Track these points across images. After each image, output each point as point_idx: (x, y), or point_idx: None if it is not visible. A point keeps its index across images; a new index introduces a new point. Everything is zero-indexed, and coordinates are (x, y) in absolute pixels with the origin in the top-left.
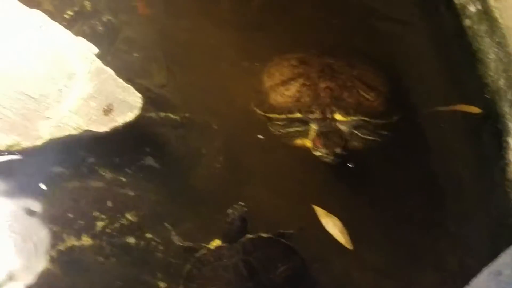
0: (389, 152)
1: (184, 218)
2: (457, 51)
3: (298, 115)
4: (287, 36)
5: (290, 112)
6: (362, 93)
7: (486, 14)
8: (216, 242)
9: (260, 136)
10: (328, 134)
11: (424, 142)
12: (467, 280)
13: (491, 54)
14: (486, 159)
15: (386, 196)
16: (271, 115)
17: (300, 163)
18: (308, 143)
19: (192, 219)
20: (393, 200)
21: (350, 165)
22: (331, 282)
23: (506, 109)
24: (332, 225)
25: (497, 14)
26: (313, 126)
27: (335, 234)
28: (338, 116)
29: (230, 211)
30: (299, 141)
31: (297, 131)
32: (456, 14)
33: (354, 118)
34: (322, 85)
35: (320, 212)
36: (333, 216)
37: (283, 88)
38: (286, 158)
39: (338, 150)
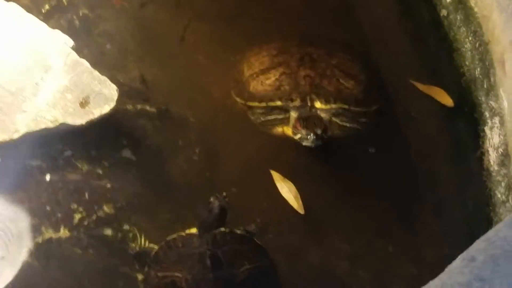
0: (368, 140)
1: (161, 210)
2: (434, 41)
3: (278, 103)
4: (263, 27)
5: (271, 100)
6: (342, 81)
7: (462, 3)
8: (191, 231)
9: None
10: (309, 118)
11: (401, 132)
12: (444, 269)
13: (467, 44)
14: (462, 148)
15: (363, 185)
16: (251, 104)
17: (279, 151)
18: (287, 130)
19: (168, 211)
20: (370, 189)
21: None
22: (308, 273)
23: (482, 98)
24: (287, 190)
25: (472, 4)
26: (293, 114)
27: (289, 199)
28: (318, 104)
29: (212, 199)
30: (279, 129)
31: (277, 118)
32: (432, 4)
33: (334, 106)
34: (302, 73)
35: (276, 176)
36: (289, 181)
37: (263, 76)
38: (264, 147)
39: (318, 131)
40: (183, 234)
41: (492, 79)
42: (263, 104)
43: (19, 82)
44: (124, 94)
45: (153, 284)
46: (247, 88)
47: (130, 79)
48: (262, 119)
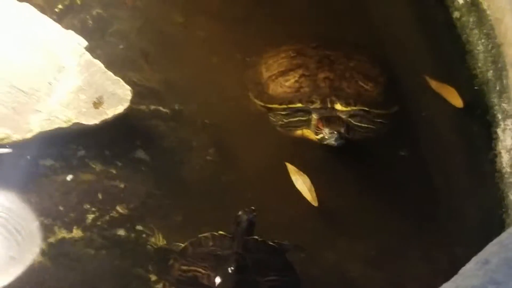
0: (387, 142)
1: (174, 211)
2: (447, 43)
3: (299, 105)
4: (278, 29)
5: (291, 102)
6: (361, 83)
7: (475, 5)
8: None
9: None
10: (331, 118)
11: (416, 133)
12: (457, 272)
13: (479, 46)
14: (475, 150)
15: (378, 186)
16: (271, 106)
17: (296, 152)
18: (307, 132)
19: (182, 212)
20: (384, 190)
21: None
22: (321, 274)
23: (495, 100)
24: (301, 183)
25: (485, 6)
26: (314, 116)
27: (303, 191)
28: (338, 106)
29: (240, 212)
30: (298, 131)
31: (301, 120)
32: (445, 6)
33: (354, 108)
34: (321, 75)
35: (291, 169)
36: (303, 174)
37: (282, 78)
38: (280, 149)
39: (342, 130)
40: (216, 234)
41: (504, 81)
42: (283, 106)
43: (32, 82)
44: (138, 94)
45: (175, 276)
46: (266, 90)
47: (144, 79)
48: (285, 120)
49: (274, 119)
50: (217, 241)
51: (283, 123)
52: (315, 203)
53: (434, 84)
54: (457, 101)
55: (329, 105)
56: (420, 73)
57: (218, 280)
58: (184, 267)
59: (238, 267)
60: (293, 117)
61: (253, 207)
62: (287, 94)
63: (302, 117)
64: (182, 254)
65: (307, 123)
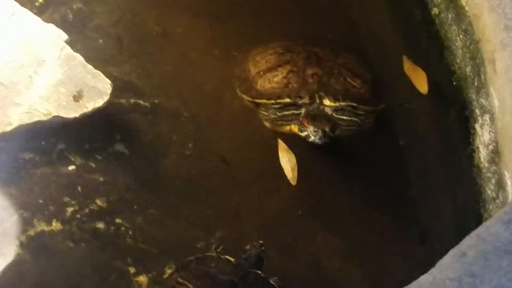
0: (370, 138)
1: (153, 204)
2: (425, 39)
3: (287, 100)
4: (261, 26)
5: (279, 97)
6: (349, 80)
7: (453, 2)
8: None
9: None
10: (317, 115)
11: (400, 131)
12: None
13: (458, 42)
14: (453, 146)
15: (357, 181)
16: (259, 101)
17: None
18: (294, 128)
19: (160, 205)
20: (362, 186)
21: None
22: (299, 269)
23: (473, 95)
24: (286, 160)
25: (463, 2)
26: (302, 112)
27: (285, 168)
28: (327, 102)
29: (248, 246)
30: (286, 127)
31: (294, 113)
32: (424, 2)
33: (343, 104)
34: (309, 71)
35: (281, 145)
36: (292, 154)
37: (270, 74)
38: (263, 145)
39: (326, 129)
40: (222, 257)
41: (482, 77)
42: (272, 102)
43: (12, 76)
44: (118, 88)
45: (169, 285)
46: (254, 86)
47: (124, 73)
48: (279, 114)
49: (265, 113)
50: (220, 264)
51: (276, 116)
52: (293, 181)
53: (407, 66)
54: (423, 87)
55: (317, 101)
56: (400, 69)
57: None
58: (180, 280)
59: None
60: (286, 111)
61: (261, 241)
62: (275, 89)
63: (296, 110)
64: (185, 266)
65: (298, 118)
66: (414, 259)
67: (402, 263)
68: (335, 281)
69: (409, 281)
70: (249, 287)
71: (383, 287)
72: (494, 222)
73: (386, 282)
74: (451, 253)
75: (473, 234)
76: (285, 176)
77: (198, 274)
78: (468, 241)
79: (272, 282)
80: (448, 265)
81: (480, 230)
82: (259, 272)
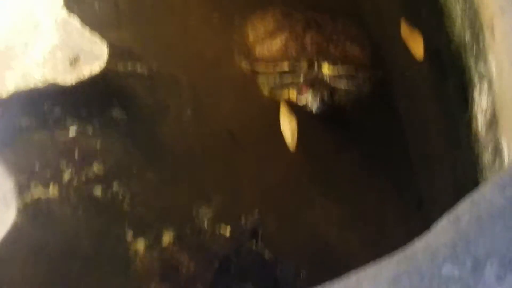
0: (370, 105)
1: (150, 170)
2: (424, 7)
3: (285, 67)
4: None
5: (277, 64)
6: (348, 46)
7: None
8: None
9: None
10: (315, 83)
11: (398, 98)
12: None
13: (457, 9)
14: (451, 113)
15: (357, 149)
16: (257, 68)
17: (277, 115)
18: (293, 95)
19: (158, 172)
20: (362, 153)
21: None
22: (296, 236)
23: (471, 63)
24: (287, 124)
25: None
26: (301, 78)
27: (285, 133)
28: (325, 69)
29: (243, 219)
30: (285, 94)
31: (292, 81)
32: None
33: (341, 70)
34: (308, 38)
35: (283, 109)
36: (293, 117)
37: (269, 41)
38: (261, 113)
39: (325, 96)
40: (217, 230)
41: (481, 44)
42: (270, 68)
43: (7, 41)
44: (115, 53)
45: (164, 258)
46: (253, 52)
47: (121, 39)
48: (277, 81)
49: (264, 81)
50: (215, 238)
51: (274, 84)
52: (292, 148)
53: (404, 29)
54: (419, 51)
55: (316, 67)
56: (399, 37)
57: (195, 273)
58: (175, 253)
59: (219, 269)
60: (285, 78)
61: (256, 211)
62: (273, 56)
63: (295, 78)
64: (180, 239)
65: (296, 85)
66: (412, 226)
67: (400, 230)
68: (333, 248)
69: (405, 246)
70: (242, 261)
71: (380, 253)
72: (488, 188)
73: (383, 248)
74: (446, 217)
75: (468, 199)
76: (284, 143)
77: (192, 247)
78: (463, 206)
79: (266, 258)
80: (442, 230)
81: (475, 195)
82: (254, 246)
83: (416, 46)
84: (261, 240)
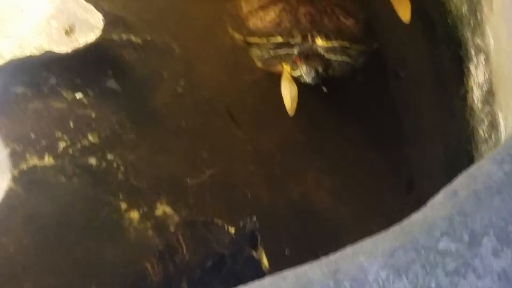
0: (365, 78)
1: (145, 140)
2: None
3: (279, 39)
4: None
5: (271, 36)
6: (342, 19)
7: None
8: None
9: None
10: (309, 55)
11: (393, 70)
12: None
13: None
14: (447, 86)
15: (351, 121)
16: (251, 40)
17: (269, 87)
18: (287, 67)
19: (152, 142)
20: (357, 126)
21: (324, 89)
22: (286, 206)
23: (468, 36)
24: (288, 90)
25: None
26: (294, 51)
27: (285, 97)
28: (318, 41)
29: (241, 223)
30: (279, 67)
31: (286, 53)
32: None
33: (335, 43)
34: (302, 10)
35: (286, 74)
36: (294, 84)
37: (262, 13)
38: (253, 83)
39: (319, 68)
40: (224, 228)
41: (479, 16)
42: (264, 40)
43: (3, 9)
44: (110, 23)
45: (167, 239)
46: (246, 24)
47: (116, 8)
48: (271, 53)
49: (258, 53)
50: (221, 234)
51: (268, 56)
52: (291, 112)
53: None
54: (405, 14)
55: (310, 40)
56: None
57: (185, 267)
58: (180, 238)
59: (211, 268)
60: (279, 50)
61: (254, 216)
62: (267, 28)
63: (288, 50)
64: (189, 226)
65: (290, 58)
66: (404, 199)
67: (392, 203)
68: (323, 218)
69: (397, 220)
70: (235, 264)
71: (371, 225)
72: (487, 162)
73: (375, 220)
74: (443, 192)
75: (465, 173)
76: (275, 115)
77: (196, 238)
78: (460, 180)
79: (262, 268)
80: (439, 204)
81: (473, 169)
82: (252, 253)
83: (403, 9)
84: (260, 245)
